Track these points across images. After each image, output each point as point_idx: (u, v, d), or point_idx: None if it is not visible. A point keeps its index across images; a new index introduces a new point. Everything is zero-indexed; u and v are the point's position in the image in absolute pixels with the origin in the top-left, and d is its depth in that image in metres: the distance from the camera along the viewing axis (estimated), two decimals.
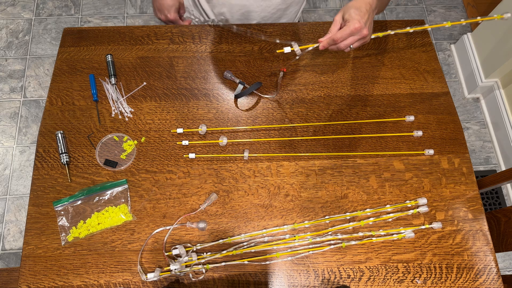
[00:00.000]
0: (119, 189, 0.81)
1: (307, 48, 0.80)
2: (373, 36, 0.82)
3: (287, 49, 0.80)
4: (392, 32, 0.83)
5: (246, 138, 0.88)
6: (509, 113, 1.75)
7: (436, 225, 0.80)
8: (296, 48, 0.79)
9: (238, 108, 0.91)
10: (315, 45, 0.79)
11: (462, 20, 0.84)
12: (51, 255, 0.76)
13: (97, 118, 0.89)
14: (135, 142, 0.87)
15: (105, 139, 0.87)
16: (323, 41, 0.77)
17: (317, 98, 0.93)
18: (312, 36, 1.01)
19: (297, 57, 0.83)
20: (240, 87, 0.92)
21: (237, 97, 0.91)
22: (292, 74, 0.96)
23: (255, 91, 0.92)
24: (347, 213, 0.81)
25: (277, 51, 0.82)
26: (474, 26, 2.02)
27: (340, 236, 0.79)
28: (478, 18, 0.80)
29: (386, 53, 0.99)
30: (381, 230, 0.80)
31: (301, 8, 1.16)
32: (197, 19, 1.17)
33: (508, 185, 1.74)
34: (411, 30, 0.84)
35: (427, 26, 0.84)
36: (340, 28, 0.77)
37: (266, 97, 0.92)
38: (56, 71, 0.94)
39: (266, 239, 0.78)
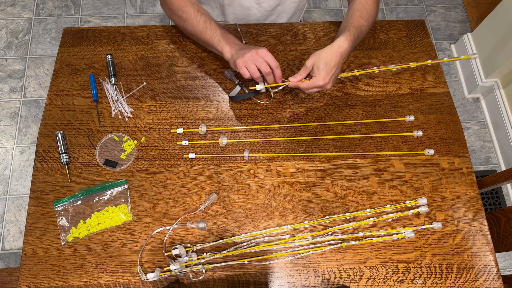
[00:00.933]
0: (119, 189, 0.81)
1: (278, 87, 0.87)
2: (340, 76, 0.90)
3: (259, 87, 0.85)
4: (358, 73, 0.92)
5: (246, 138, 0.88)
6: (509, 113, 1.74)
7: (436, 225, 0.80)
8: (260, 87, 0.85)
9: (237, 109, 0.91)
10: (285, 84, 0.85)
11: (428, 61, 0.94)
12: (51, 255, 0.76)
13: (97, 118, 0.89)
14: (135, 142, 0.86)
15: (105, 139, 0.87)
16: (292, 83, 0.83)
17: (317, 98, 0.93)
18: (312, 36, 1.01)
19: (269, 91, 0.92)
20: (238, 88, 0.91)
21: (232, 99, 0.91)
22: (292, 75, 0.95)
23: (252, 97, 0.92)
24: (347, 213, 0.81)
25: (250, 88, 0.87)
26: (474, 26, 2.02)
27: (340, 236, 0.79)
28: (445, 59, 0.92)
29: (386, 53, 0.99)
30: (381, 230, 0.80)
31: (302, 12, 1.16)
32: None
33: (508, 185, 1.74)
34: (376, 71, 0.91)
35: (393, 66, 0.92)
36: (309, 74, 0.82)
37: (262, 103, 0.92)
38: (56, 71, 0.94)
39: (266, 239, 0.78)
